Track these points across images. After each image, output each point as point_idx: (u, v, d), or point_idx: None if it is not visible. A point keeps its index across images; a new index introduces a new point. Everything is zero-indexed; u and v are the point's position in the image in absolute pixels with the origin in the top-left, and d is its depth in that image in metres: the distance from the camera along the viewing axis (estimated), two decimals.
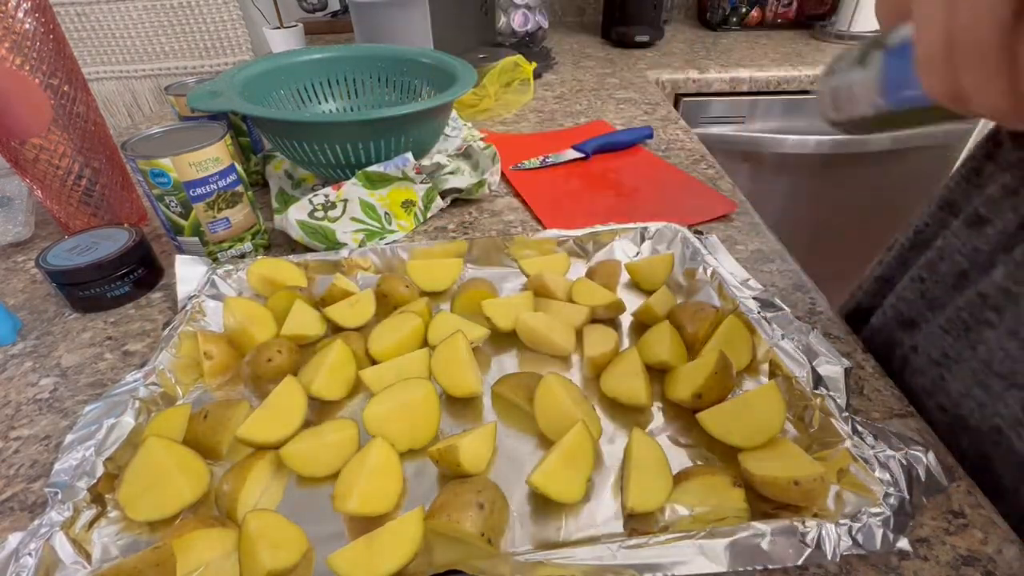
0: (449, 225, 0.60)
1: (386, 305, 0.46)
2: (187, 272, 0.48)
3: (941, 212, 0.41)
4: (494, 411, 0.38)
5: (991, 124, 0.39)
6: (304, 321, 0.43)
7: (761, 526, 0.27)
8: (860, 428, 0.31)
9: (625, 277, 0.50)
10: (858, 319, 0.47)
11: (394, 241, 0.57)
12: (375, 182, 0.58)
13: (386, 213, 0.57)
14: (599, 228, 0.53)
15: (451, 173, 0.63)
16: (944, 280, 0.38)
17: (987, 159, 0.38)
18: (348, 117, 0.55)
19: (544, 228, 0.58)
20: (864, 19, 1.22)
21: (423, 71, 0.71)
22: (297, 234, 0.53)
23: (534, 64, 0.99)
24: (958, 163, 0.42)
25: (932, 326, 0.38)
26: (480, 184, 0.62)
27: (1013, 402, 0.32)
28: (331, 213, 0.55)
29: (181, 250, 0.52)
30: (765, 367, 0.39)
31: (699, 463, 0.33)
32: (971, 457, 0.34)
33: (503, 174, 0.70)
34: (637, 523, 0.30)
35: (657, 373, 0.39)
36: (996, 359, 0.33)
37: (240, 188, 0.51)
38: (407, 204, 0.59)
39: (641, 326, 0.45)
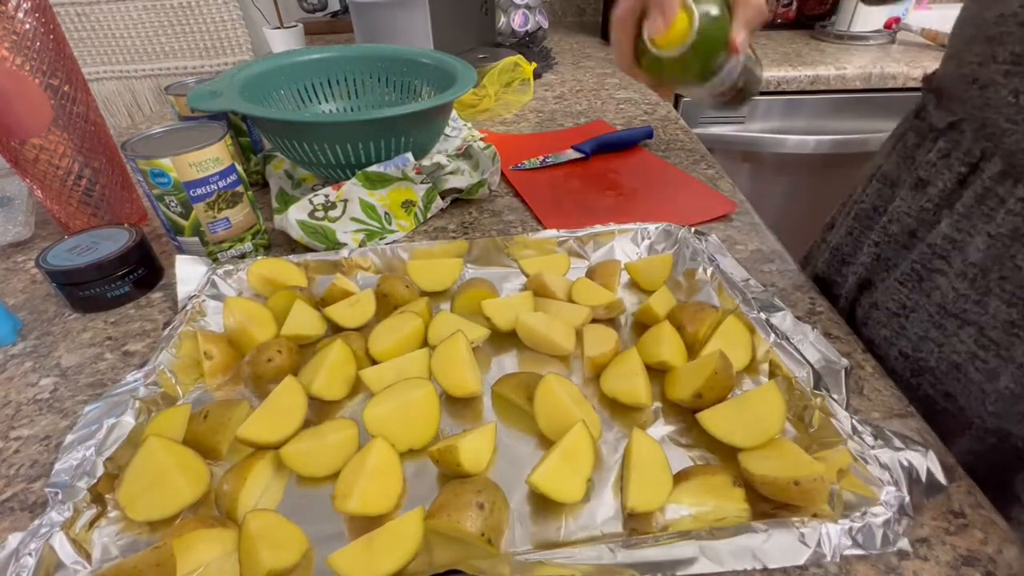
0: (449, 225, 0.60)
1: (386, 305, 0.46)
2: (187, 272, 0.48)
3: (883, 187, 0.45)
4: (494, 411, 0.38)
5: (914, 106, 0.46)
6: (304, 321, 0.43)
7: (761, 526, 0.27)
8: (860, 428, 0.31)
9: (625, 277, 0.50)
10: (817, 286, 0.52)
11: (394, 241, 0.57)
12: (375, 182, 0.58)
13: (386, 213, 0.57)
14: (599, 228, 0.53)
15: (451, 173, 0.63)
16: (896, 240, 0.42)
17: (913, 131, 0.43)
18: (348, 117, 0.55)
19: (544, 228, 0.58)
20: (864, 19, 1.22)
21: (423, 71, 0.71)
22: (297, 234, 0.53)
23: (534, 64, 0.99)
24: (889, 143, 0.48)
25: (889, 282, 0.42)
26: (480, 184, 0.62)
27: (967, 338, 0.36)
28: (331, 213, 0.55)
29: (181, 250, 0.52)
30: (765, 367, 0.39)
31: (699, 463, 0.33)
32: (935, 397, 0.39)
33: (503, 174, 0.70)
34: (637, 523, 0.30)
35: (657, 373, 0.39)
36: (949, 301, 0.37)
37: (240, 188, 0.51)
38: (407, 204, 0.59)
39: (641, 326, 0.45)
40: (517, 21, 1.14)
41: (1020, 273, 0.33)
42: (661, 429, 0.36)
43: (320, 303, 0.47)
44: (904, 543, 0.27)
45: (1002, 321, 0.34)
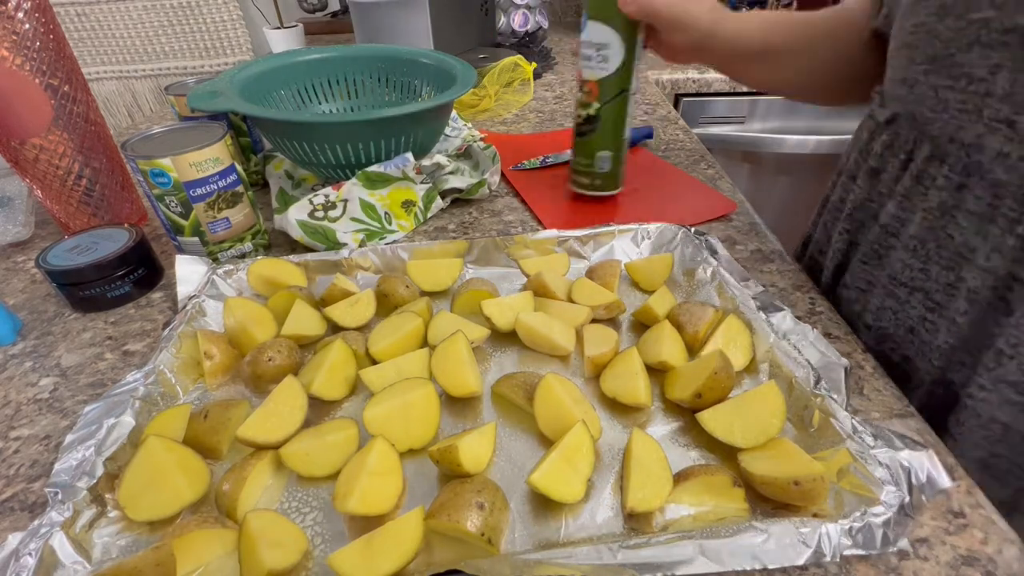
0: (449, 225, 0.60)
1: (386, 305, 0.46)
2: (187, 272, 0.48)
3: (846, 180, 0.50)
4: (494, 411, 0.38)
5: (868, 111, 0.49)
6: (304, 321, 0.43)
7: (761, 526, 0.27)
8: (860, 428, 0.31)
9: (625, 277, 0.50)
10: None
11: (394, 241, 0.57)
12: (375, 182, 0.58)
13: (386, 213, 0.57)
14: (599, 228, 0.53)
15: (451, 173, 0.63)
16: (862, 224, 0.47)
17: (865, 128, 0.48)
18: (348, 117, 0.55)
19: (544, 228, 0.58)
20: None
21: (423, 71, 0.71)
22: (297, 234, 0.53)
23: (534, 64, 0.99)
24: (850, 143, 0.52)
25: (854, 263, 0.47)
26: (480, 184, 0.62)
27: (917, 303, 0.41)
28: (331, 213, 0.55)
29: (181, 250, 0.52)
30: (765, 367, 0.39)
31: (699, 463, 0.33)
32: (896, 362, 0.43)
33: (503, 174, 0.70)
34: (637, 523, 0.30)
35: (657, 373, 0.39)
36: (898, 272, 0.42)
37: (240, 188, 0.51)
38: (407, 204, 0.59)
39: (641, 326, 0.45)
40: (517, 21, 1.14)
41: (952, 241, 0.38)
42: (661, 429, 0.36)
43: (320, 303, 0.47)
44: (904, 543, 0.27)
45: (942, 284, 0.39)
